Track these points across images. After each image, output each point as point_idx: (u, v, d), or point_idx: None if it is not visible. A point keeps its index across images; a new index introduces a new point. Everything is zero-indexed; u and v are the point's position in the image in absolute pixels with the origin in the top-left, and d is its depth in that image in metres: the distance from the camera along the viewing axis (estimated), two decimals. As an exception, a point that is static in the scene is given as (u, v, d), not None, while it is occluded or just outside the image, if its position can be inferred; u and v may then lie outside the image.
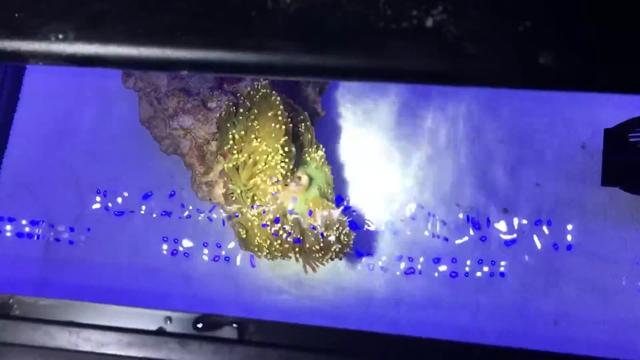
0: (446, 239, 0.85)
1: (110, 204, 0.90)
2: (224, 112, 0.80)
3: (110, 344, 0.47)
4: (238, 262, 0.87)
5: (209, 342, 0.48)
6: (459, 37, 0.35)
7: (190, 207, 0.89)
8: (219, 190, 0.81)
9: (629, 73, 0.34)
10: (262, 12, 0.37)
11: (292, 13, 0.37)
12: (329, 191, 0.81)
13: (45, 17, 0.38)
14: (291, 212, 0.77)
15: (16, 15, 0.38)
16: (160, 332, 0.49)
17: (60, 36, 0.38)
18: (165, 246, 0.88)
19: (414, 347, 0.58)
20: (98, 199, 0.91)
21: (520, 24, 0.35)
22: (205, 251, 0.87)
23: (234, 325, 0.48)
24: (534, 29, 0.34)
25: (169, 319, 0.49)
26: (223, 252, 0.87)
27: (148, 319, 0.50)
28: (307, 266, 0.80)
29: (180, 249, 0.87)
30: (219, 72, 0.39)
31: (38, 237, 0.90)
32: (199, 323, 0.49)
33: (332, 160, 0.87)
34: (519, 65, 0.35)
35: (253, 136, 0.77)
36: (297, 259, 0.78)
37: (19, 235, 0.90)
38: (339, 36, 0.36)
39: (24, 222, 0.91)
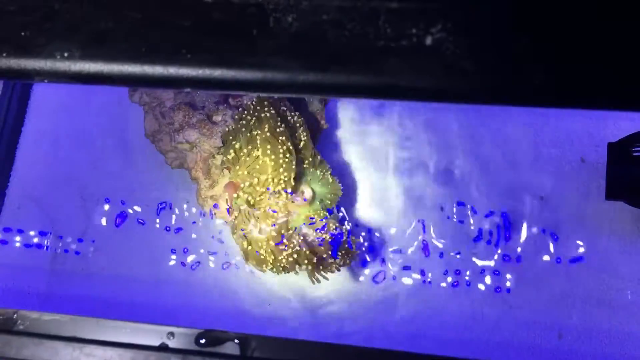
0: (453, 252, 0.85)
1: (115, 217, 0.91)
2: (229, 127, 0.81)
3: (112, 359, 0.47)
4: (244, 274, 0.87)
5: (211, 358, 0.48)
6: (457, 55, 0.35)
7: (196, 220, 0.89)
8: (224, 204, 0.82)
9: (623, 92, 0.34)
10: (265, 31, 0.38)
11: (293, 32, 0.37)
12: (334, 204, 0.81)
13: (51, 35, 0.38)
14: (295, 226, 0.78)
15: (22, 33, 0.39)
16: (162, 348, 0.49)
17: (66, 54, 0.38)
18: (173, 256, 0.88)
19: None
20: (105, 213, 0.91)
21: (517, 43, 0.35)
22: (212, 263, 0.88)
23: (236, 341, 0.48)
24: (532, 47, 0.35)
25: (172, 334, 0.50)
26: (232, 262, 0.87)
27: (150, 334, 0.50)
28: (313, 278, 0.80)
29: (188, 260, 0.88)
30: (222, 90, 0.40)
31: (47, 249, 0.90)
32: (201, 339, 0.49)
33: (337, 172, 0.87)
34: (516, 83, 0.35)
35: (255, 150, 0.78)
36: (297, 272, 0.79)
37: (27, 246, 0.91)
38: (339, 54, 0.37)
39: (32, 233, 0.91)
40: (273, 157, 0.77)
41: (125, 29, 0.38)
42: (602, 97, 0.35)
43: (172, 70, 0.38)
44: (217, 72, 0.38)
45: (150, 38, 0.38)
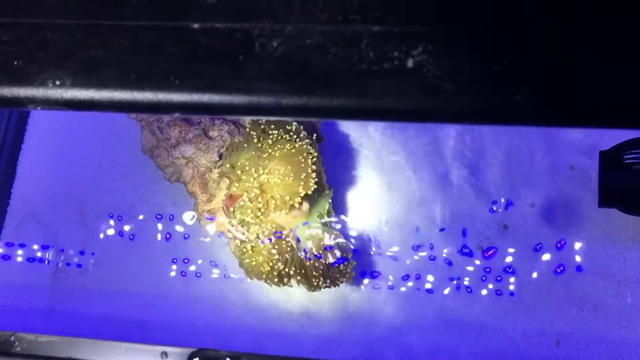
0: (449, 262, 0.86)
1: (115, 231, 0.92)
2: (234, 140, 0.81)
3: (107, 379, 0.48)
4: (241, 286, 0.88)
5: (204, 376, 0.49)
6: (438, 77, 0.36)
7: (194, 233, 0.90)
8: (221, 217, 0.83)
9: (605, 109, 0.35)
10: (250, 56, 0.38)
11: (278, 56, 0.38)
12: (330, 217, 0.82)
13: (43, 64, 0.39)
14: (292, 238, 0.78)
15: (15, 63, 0.40)
16: (156, 367, 0.50)
17: (57, 82, 0.39)
18: (173, 267, 0.89)
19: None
20: (104, 228, 0.92)
21: (497, 63, 0.36)
22: (212, 276, 0.88)
23: (228, 359, 0.48)
24: (511, 67, 0.36)
25: (165, 353, 0.50)
26: (231, 275, 0.88)
27: (144, 354, 0.51)
28: (309, 286, 0.81)
29: (187, 273, 0.89)
30: (210, 114, 0.41)
31: (49, 262, 0.91)
32: (194, 357, 0.50)
33: (333, 184, 0.88)
34: (497, 102, 0.36)
35: (266, 163, 0.78)
36: (286, 282, 0.79)
37: (28, 260, 0.92)
38: (323, 78, 0.38)
39: (35, 247, 0.92)
40: (289, 174, 0.77)
41: (115, 57, 0.39)
42: (586, 114, 0.36)
43: (162, 97, 0.39)
44: (205, 97, 0.38)
45: (139, 65, 0.39)
